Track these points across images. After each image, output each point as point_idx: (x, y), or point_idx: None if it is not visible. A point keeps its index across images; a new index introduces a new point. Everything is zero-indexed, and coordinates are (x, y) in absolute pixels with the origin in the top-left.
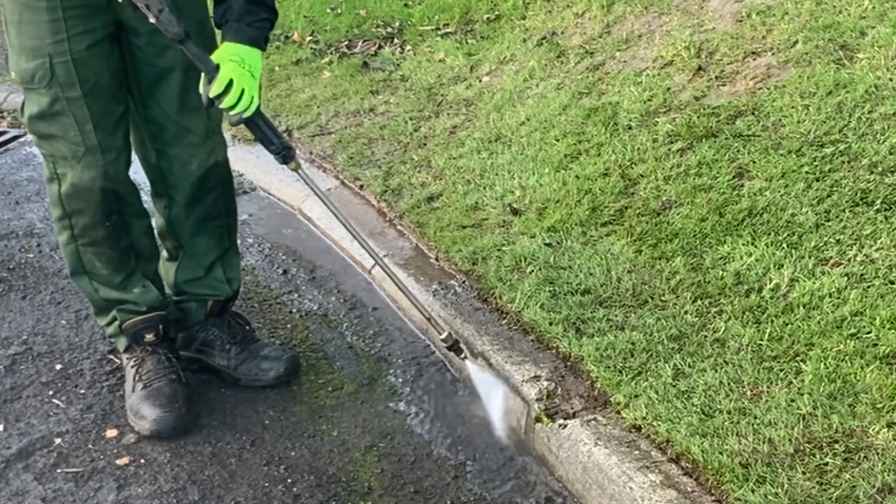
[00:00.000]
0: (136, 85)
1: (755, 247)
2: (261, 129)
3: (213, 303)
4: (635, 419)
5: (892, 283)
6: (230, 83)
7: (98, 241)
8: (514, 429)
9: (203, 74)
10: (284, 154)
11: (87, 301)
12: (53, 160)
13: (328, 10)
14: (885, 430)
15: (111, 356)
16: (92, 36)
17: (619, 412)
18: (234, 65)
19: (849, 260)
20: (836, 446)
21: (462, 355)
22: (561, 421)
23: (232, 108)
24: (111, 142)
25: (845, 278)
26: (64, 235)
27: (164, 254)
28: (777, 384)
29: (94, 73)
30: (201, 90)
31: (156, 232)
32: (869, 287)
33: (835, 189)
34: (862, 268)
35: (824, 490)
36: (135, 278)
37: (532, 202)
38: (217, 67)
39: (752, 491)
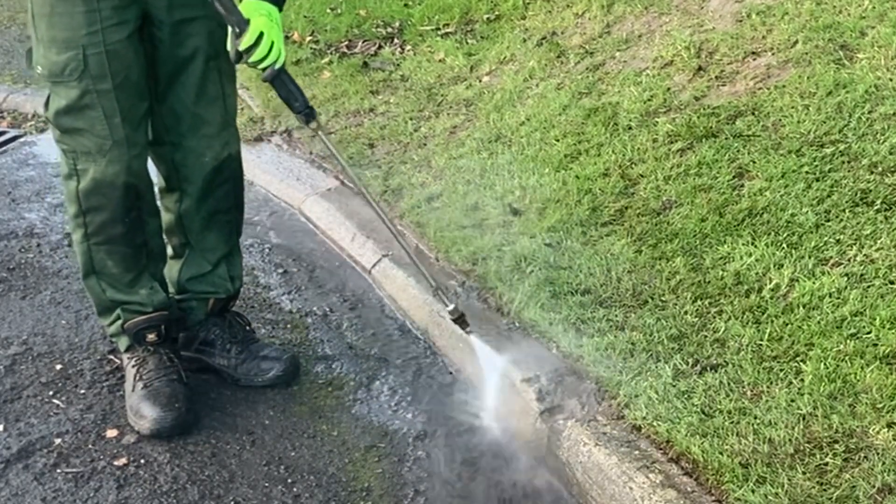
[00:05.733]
0: (155, 77)
1: (755, 247)
2: (287, 85)
3: (214, 301)
4: (635, 419)
5: (892, 283)
6: (261, 35)
7: (114, 239)
8: (516, 429)
9: (230, 31)
10: (307, 113)
11: (88, 301)
12: (74, 156)
13: (328, 10)
14: (885, 430)
15: (111, 356)
16: (125, 28)
17: (619, 412)
18: (265, 18)
19: (849, 260)
20: (836, 446)
21: (467, 329)
22: (561, 421)
23: (261, 60)
24: (136, 137)
25: (845, 278)
26: (77, 234)
27: (169, 251)
28: (777, 384)
29: (124, 66)
30: (228, 46)
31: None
32: (869, 287)
33: (835, 189)
34: (862, 268)
35: (824, 490)
36: (143, 278)
37: (532, 202)
38: (247, 21)
39: (752, 491)
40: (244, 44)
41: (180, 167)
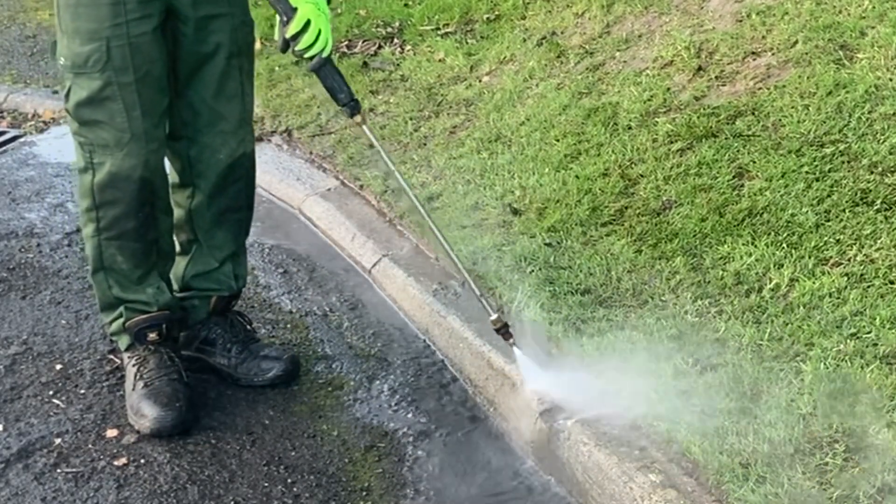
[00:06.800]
0: (174, 73)
1: (755, 247)
2: (332, 76)
3: (216, 299)
4: (635, 419)
5: (892, 283)
6: (308, 23)
7: (126, 234)
8: (517, 429)
9: (277, 20)
10: (352, 106)
11: (88, 301)
12: (91, 149)
13: None
14: (885, 430)
15: (111, 356)
16: (150, 22)
17: (619, 412)
18: (312, 6)
19: (849, 260)
20: (836, 446)
21: (510, 340)
22: (561, 421)
23: (308, 49)
24: (155, 132)
25: (845, 278)
26: (89, 228)
27: (176, 247)
28: (777, 384)
29: (147, 60)
30: (276, 36)
31: None
32: (869, 287)
33: (835, 189)
34: (862, 268)
35: (824, 490)
36: (152, 277)
37: (532, 202)
38: (294, 9)
39: (752, 491)
40: (291, 31)
41: (195, 163)
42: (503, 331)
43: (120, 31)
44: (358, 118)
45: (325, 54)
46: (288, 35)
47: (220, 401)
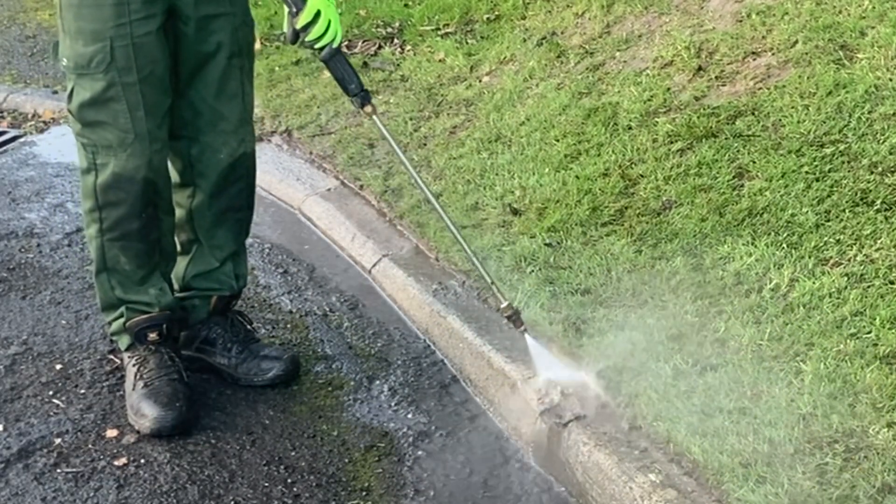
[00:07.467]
0: (175, 72)
1: (755, 247)
2: (342, 67)
3: (217, 299)
4: (635, 419)
5: (892, 283)
6: (317, 13)
7: (129, 234)
8: (517, 429)
9: (286, 12)
10: (363, 96)
11: (88, 301)
12: (94, 150)
13: None
14: (885, 430)
15: (111, 356)
16: (153, 22)
17: (618, 412)
18: None
19: (849, 260)
20: (836, 446)
21: (521, 327)
22: (561, 421)
23: (318, 39)
24: (158, 132)
25: (845, 278)
26: (92, 229)
27: (177, 247)
28: (777, 384)
29: (150, 60)
30: (285, 27)
31: None
32: (869, 287)
33: (835, 189)
34: (862, 268)
35: (824, 490)
36: (154, 277)
37: (532, 202)
38: (303, 0)
39: (752, 491)
40: (301, 22)
41: (196, 163)
42: (514, 318)
43: (123, 32)
44: (368, 108)
45: (335, 44)
46: (298, 26)
47: (220, 401)
